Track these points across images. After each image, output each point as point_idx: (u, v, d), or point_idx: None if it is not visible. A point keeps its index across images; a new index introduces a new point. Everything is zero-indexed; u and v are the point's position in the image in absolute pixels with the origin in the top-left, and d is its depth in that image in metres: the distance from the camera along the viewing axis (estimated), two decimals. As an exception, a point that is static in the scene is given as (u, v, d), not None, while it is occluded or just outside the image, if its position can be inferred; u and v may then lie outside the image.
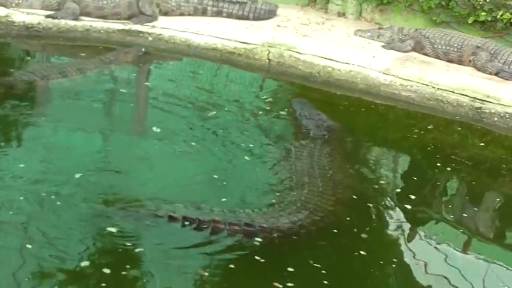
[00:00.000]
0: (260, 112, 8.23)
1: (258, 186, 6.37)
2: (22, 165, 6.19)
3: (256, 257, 5.17)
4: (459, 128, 8.55)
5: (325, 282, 5.03)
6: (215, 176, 6.34)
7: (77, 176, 6.04)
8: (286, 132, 7.88)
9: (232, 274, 5.04)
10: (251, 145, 7.16)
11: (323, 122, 7.99)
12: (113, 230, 5.28)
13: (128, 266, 4.89)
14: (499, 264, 5.68)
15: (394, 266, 5.44)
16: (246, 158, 6.87)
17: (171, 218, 5.38)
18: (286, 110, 8.41)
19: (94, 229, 5.31)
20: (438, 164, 7.39)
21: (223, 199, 5.91)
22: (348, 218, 5.93)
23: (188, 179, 6.31)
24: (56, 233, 5.21)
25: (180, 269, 5.03)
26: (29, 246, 4.99)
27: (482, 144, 8.24)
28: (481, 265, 5.68)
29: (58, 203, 5.56)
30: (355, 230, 5.77)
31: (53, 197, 5.63)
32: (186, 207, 5.54)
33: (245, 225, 5.39)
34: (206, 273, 4.94)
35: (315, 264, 5.19)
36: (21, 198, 5.59)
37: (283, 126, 8.01)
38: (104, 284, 4.70)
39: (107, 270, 4.83)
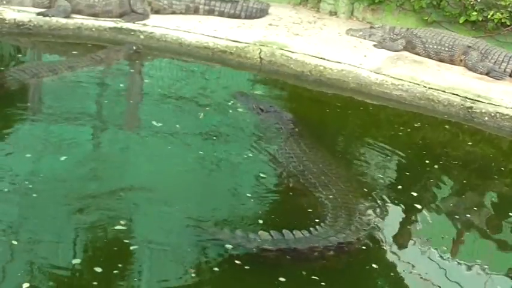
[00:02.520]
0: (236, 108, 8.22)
1: (280, 195, 6.37)
2: (12, 162, 6.18)
3: (238, 262, 5.09)
4: (450, 128, 8.56)
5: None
6: (224, 185, 6.31)
7: (70, 172, 6.08)
8: (261, 129, 7.74)
9: (219, 281, 4.99)
10: (243, 148, 7.15)
11: (281, 114, 7.96)
12: (106, 228, 5.29)
13: (119, 265, 4.88)
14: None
15: (402, 277, 5.39)
16: (247, 164, 6.81)
17: (265, 251, 5.13)
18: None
19: (86, 227, 5.31)
20: (427, 162, 7.40)
21: (260, 221, 5.72)
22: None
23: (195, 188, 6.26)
24: (46, 230, 5.20)
25: (172, 271, 5.00)
26: (14, 242, 4.96)
27: (472, 143, 8.27)
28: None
29: (49, 199, 5.57)
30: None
31: (44, 193, 5.64)
32: (271, 235, 5.24)
33: (338, 244, 5.31)
34: (193, 275, 4.90)
35: (313, 277, 5.10)
36: (7, 189, 5.61)
37: (256, 123, 7.90)
38: (95, 283, 4.69)
39: (98, 269, 4.82)
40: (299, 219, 5.78)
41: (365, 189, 6.53)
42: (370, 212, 6.04)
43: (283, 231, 5.27)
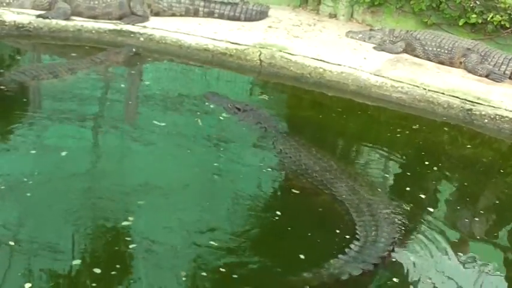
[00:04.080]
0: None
1: (290, 196, 6.34)
2: (12, 161, 6.24)
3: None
4: (449, 130, 8.57)
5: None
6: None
7: (70, 172, 6.10)
8: (247, 131, 7.67)
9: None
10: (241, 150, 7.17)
11: (258, 111, 7.89)
12: (104, 228, 5.30)
13: (118, 266, 4.89)
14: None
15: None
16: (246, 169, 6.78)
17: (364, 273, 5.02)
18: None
19: (85, 227, 5.32)
20: (426, 163, 7.41)
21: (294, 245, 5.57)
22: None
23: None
24: (46, 230, 5.22)
25: (170, 270, 5.00)
26: (11, 243, 4.96)
27: (472, 146, 8.27)
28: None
29: (49, 200, 5.60)
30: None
31: (44, 193, 5.68)
32: (339, 259, 5.14)
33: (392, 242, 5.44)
34: (184, 278, 4.88)
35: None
36: (3, 187, 5.64)
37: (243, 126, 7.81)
38: (94, 284, 4.69)
39: (97, 270, 4.82)
40: (319, 219, 5.84)
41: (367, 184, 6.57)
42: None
43: (347, 251, 5.21)
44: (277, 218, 5.82)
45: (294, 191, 6.35)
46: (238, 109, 7.92)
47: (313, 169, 6.56)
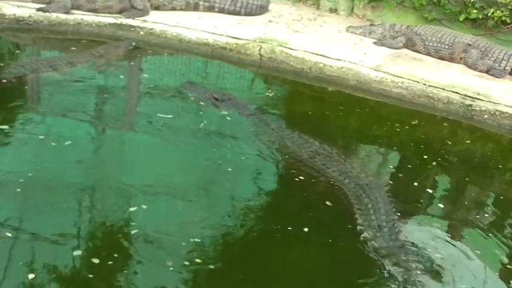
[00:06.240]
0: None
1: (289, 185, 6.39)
2: (11, 154, 6.25)
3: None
4: (449, 125, 8.56)
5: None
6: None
7: (70, 164, 6.13)
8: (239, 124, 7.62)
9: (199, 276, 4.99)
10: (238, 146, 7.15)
11: (236, 101, 7.85)
12: (101, 219, 5.33)
13: (115, 255, 4.90)
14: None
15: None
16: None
17: None
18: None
19: (85, 218, 5.35)
20: (425, 157, 7.41)
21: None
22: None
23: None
24: (46, 222, 5.22)
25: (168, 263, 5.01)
26: (8, 234, 4.97)
27: (471, 141, 8.27)
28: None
29: (49, 191, 5.62)
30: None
31: (43, 184, 5.70)
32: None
33: None
34: (171, 268, 4.89)
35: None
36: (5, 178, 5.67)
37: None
38: (91, 275, 4.70)
39: (95, 260, 4.84)
40: (323, 206, 5.93)
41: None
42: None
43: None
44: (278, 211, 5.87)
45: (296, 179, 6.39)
46: (217, 99, 7.84)
47: (302, 156, 6.57)
